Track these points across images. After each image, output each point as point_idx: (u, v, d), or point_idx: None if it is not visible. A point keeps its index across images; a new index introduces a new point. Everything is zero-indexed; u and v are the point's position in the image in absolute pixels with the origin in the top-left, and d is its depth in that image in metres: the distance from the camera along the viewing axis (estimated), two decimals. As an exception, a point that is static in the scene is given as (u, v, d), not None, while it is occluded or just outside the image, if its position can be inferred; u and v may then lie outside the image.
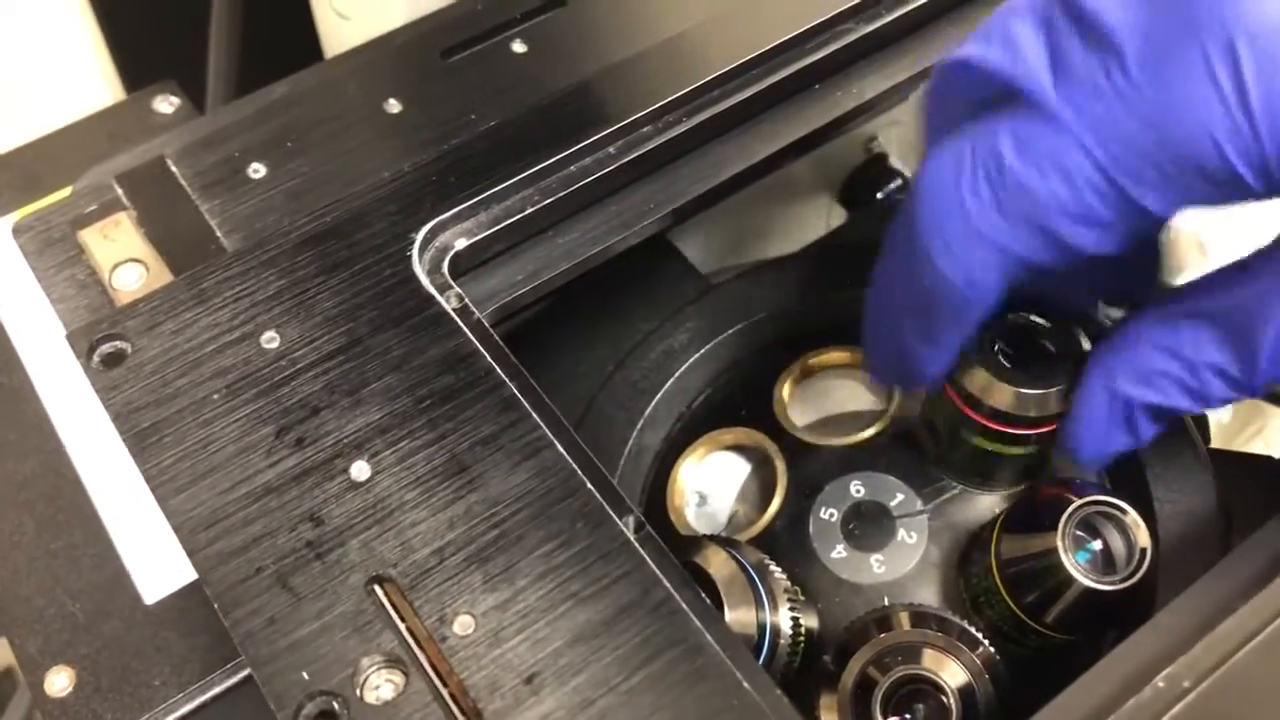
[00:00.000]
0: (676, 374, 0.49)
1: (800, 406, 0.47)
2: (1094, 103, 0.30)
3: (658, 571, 0.31)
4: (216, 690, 0.39)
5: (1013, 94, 0.31)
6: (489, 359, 0.35)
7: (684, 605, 0.31)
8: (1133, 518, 0.37)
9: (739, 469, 0.48)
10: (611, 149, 0.40)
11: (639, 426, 0.48)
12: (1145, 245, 0.36)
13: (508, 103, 0.42)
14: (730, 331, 0.49)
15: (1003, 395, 0.38)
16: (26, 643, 0.39)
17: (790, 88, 0.43)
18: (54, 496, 0.43)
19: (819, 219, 0.59)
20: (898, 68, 0.44)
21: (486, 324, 0.36)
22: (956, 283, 0.33)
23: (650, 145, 0.40)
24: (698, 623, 0.30)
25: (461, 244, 0.38)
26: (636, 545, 0.32)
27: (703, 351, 0.49)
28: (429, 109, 0.42)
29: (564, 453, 0.33)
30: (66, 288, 0.38)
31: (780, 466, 0.45)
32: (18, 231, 0.39)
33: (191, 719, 0.39)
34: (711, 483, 0.48)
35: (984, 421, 0.39)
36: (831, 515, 0.43)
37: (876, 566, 0.42)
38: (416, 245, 0.37)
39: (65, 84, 0.73)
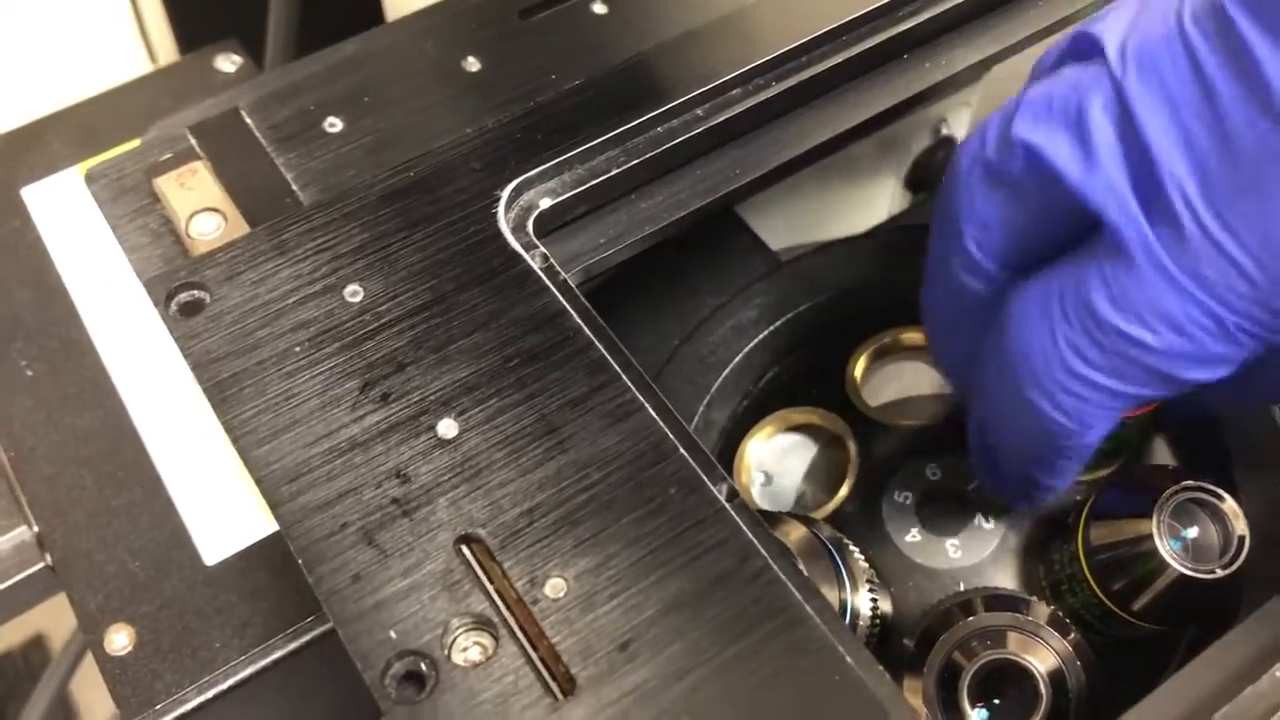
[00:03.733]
0: (744, 350, 0.48)
1: (873, 386, 0.46)
2: (1185, 242, 0.28)
3: (754, 540, 0.30)
4: (278, 654, 0.38)
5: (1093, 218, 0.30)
6: (577, 319, 0.34)
7: (781, 576, 0.30)
8: (1230, 505, 0.36)
9: (806, 449, 0.47)
10: (699, 111, 0.39)
11: (705, 402, 0.47)
12: None
13: (590, 63, 0.41)
14: (801, 309, 0.48)
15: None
16: (86, 599, 0.38)
17: (878, 56, 0.42)
18: (113, 452, 0.42)
19: (884, 201, 0.58)
20: (987, 40, 0.43)
21: (572, 284, 0.35)
22: (1069, 428, 0.32)
23: (738, 109, 0.39)
24: (797, 594, 0.29)
25: (546, 203, 0.37)
26: (732, 513, 0.31)
27: (772, 328, 0.48)
28: (509, 68, 0.41)
29: (655, 417, 0.32)
30: (140, 236, 0.37)
31: (852, 447, 0.44)
32: (90, 178, 0.38)
33: (252, 682, 0.38)
34: (777, 462, 0.47)
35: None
36: (906, 498, 0.42)
37: (952, 551, 0.41)
38: (502, 202, 0.36)
39: (116, 48, 0.72)
